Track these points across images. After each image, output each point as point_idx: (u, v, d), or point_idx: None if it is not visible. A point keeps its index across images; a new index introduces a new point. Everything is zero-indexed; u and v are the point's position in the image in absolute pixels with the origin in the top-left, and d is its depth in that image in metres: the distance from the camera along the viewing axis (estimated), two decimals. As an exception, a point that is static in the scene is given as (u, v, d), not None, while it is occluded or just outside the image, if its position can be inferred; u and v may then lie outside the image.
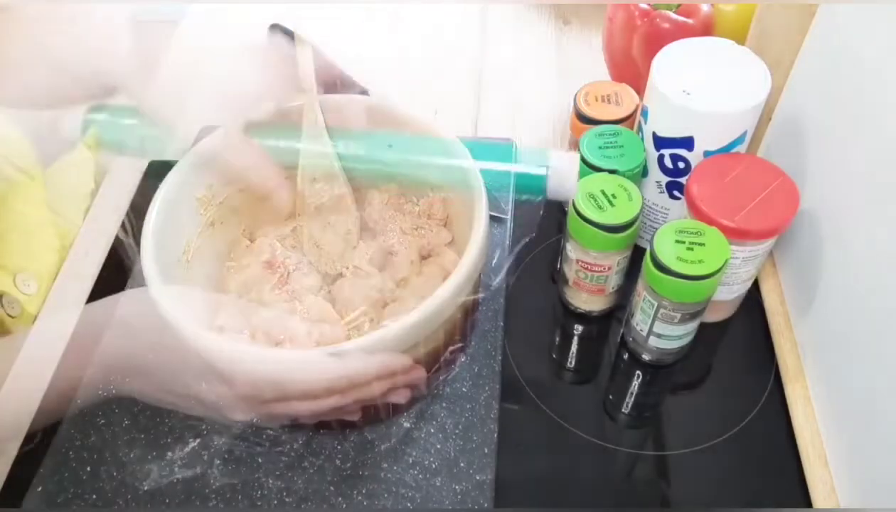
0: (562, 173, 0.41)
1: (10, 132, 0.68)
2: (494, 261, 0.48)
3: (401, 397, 0.42)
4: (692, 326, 0.46)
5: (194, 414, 0.41)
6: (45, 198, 0.69)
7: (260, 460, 0.44)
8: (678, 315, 0.44)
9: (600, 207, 0.44)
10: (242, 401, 0.37)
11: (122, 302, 0.40)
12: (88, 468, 0.44)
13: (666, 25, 0.55)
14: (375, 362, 0.37)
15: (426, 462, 0.44)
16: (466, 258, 0.38)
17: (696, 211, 0.44)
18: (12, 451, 0.46)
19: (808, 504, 0.43)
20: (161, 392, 0.39)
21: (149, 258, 0.39)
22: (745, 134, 0.46)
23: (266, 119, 0.43)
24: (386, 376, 0.38)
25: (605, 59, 0.63)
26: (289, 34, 0.73)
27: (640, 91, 0.50)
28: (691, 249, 0.41)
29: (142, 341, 0.38)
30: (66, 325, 0.40)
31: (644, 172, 0.49)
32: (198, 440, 0.45)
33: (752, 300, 0.52)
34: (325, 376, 0.36)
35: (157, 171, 0.45)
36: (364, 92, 0.64)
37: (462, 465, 0.44)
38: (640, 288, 0.45)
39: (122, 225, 0.53)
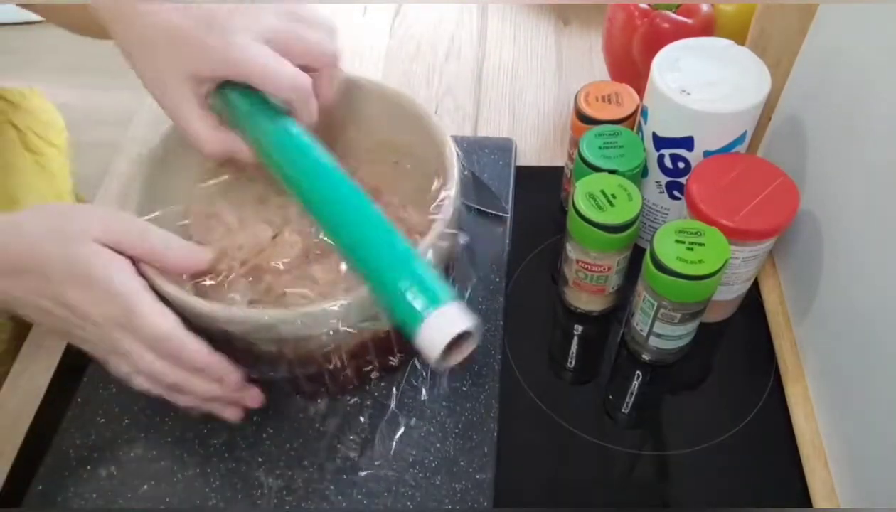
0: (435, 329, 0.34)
1: (43, 104, 0.69)
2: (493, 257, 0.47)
3: (229, 414, 0.43)
4: (692, 326, 0.46)
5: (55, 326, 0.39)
6: (69, 167, 0.69)
7: (260, 459, 0.44)
8: (678, 315, 0.44)
9: (600, 207, 0.44)
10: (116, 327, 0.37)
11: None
12: (88, 468, 0.44)
13: (666, 25, 0.55)
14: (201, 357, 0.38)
15: (426, 461, 0.44)
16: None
17: (696, 211, 0.44)
18: (12, 450, 0.46)
19: (808, 504, 0.43)
20: (30, 295, 0.38)
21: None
22: (745, 134, 0.46)
23: None
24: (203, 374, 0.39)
25: (605, 59, 0.63)
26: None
27: (640, 91, 0.50)
28: (691, 249, 0.41)
29: (27, 241, 0.37)
30: None
31: (644, 172, 0.49)
32: (197, 439, 0.45)
33: (752, 300, 0.52)
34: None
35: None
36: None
37: (462, 464, 0.44)
38: (640, 288, 0.45)
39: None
